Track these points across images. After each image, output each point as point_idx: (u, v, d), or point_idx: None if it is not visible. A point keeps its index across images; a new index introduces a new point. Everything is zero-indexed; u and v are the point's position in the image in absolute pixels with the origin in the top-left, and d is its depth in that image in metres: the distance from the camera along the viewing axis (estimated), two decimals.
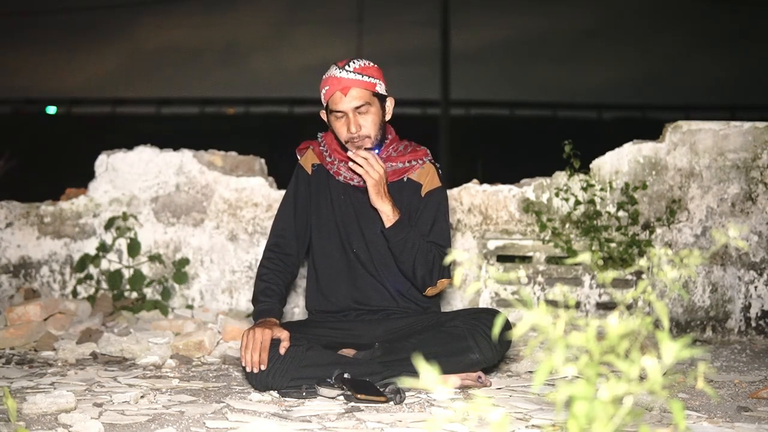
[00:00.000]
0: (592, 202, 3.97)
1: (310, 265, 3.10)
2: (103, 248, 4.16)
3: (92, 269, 4.19)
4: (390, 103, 2.98)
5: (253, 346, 2.71)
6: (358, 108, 2.86)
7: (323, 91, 2.91)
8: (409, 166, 2.99)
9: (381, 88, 2.91)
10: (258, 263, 4.17)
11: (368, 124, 2.88)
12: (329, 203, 3.01)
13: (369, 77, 2.88)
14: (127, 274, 4.16)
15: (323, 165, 3.03)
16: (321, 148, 3.04)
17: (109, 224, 4.16)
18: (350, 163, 2.84)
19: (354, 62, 2.89)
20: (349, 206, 3.00)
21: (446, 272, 2.92)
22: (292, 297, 4.18)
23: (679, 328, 4.00)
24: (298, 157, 3.12)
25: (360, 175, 2.86)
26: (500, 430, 1.23)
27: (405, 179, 2.99)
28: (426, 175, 3.00)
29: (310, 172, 3.05)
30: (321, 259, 3.04)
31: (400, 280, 2.99)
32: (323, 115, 2.99)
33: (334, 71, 2.88)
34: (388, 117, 2.97)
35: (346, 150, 2.92)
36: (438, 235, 2.96)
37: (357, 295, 3.00)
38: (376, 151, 2.90)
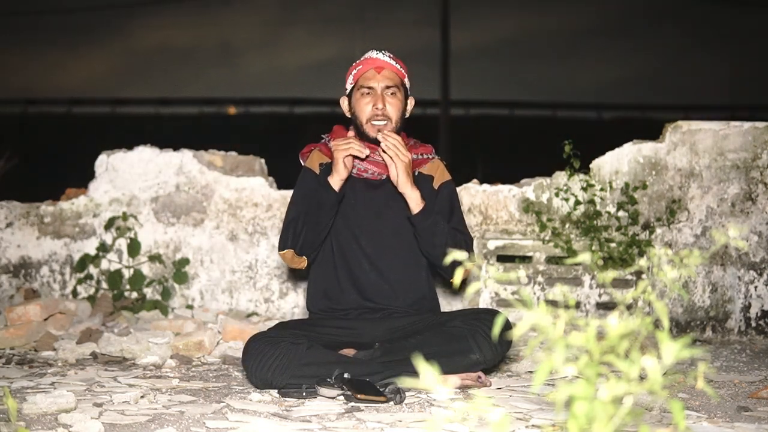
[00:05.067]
0: (592, 202, 3.97)
1: (314, 262, 3.10)
2: (103, 248, 4.16)
3: (92, 269, 4.18)
4: (411, 103, 3.09)
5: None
6: (388, 88, 2.98)
7: (355, 72, 3.01)
8: (421, 159, 3.08)
9: (407, 83, 3.06)
10: (258, 263, 4.18)
11: (392, 108, 2.99)
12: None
13: (401, 66, 3.03)
14: (127, 274, 4.16)
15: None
16: (331, 145, 3.07)
17: (109, 224, 4.16)
18: (379, 150, 2.89)
19: (388, 51, 3.05)
20: (357, 201, 3.01)
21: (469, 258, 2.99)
22: (291, 297, 4.19)
23: (679, 328, 4.00)
24: (302, 162, 3.13)
25: (378, 167, 2.90)
26: (500, 430, 1.23)
27: (416, 173, 3.06)
28: (436, 169, 3.10)
29: (318, 172, 3.06)
30: (326, 255, 3.04)
31: (404, 274, 3.01)
32: (344, 102, 3.07)
33: (371, 53, 3.02)
34: (407, 115, 3.07)
35: (363, 137, 2.98)
36: (458, 223, 3.05)
37: (360, 292, 3.01)
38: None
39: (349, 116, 3.07)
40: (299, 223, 2.95)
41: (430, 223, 2.90)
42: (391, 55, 3.02)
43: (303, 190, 3.04)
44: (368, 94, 2.98)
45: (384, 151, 2.89)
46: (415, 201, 2.89)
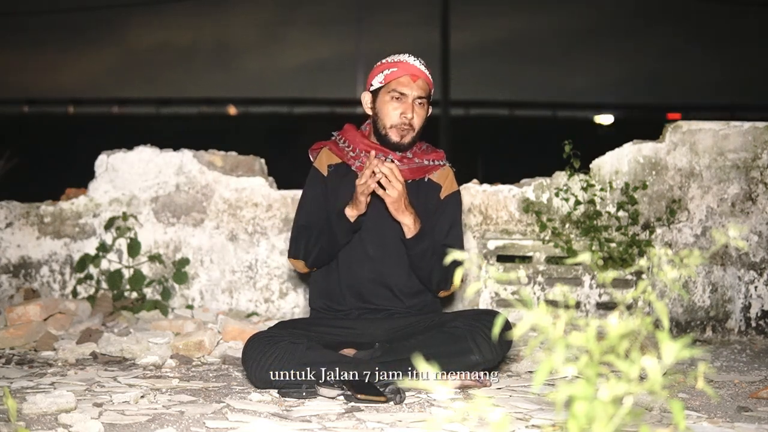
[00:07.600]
0: (592, 202, 3.97)
1: None
2: (103, 248, 4.16)
3: (92, 269, 4.18)
4: (429, 111, 3.07)
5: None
6: (419, 98, 2.97)
7: (387, 72, 2.97)
8: (431, 165, 3.06)
9: (432, 93, 3.05)
10: (258, 263, 4.18)
11: (418, 119, 2.99)
12: (344, 202, 3.00)
13: (431, 79, 3.03)
14: (127, 274, 4.16)
15: (344, 162, 3.04)
16: (342, 144, 3.05)
17: (109, 224, 4.16)
18: (369, 181, 2.84)
19: (422, 59, 3.02)
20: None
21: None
22: (291, 297, 4.19)
23: (679, 328, 4.00)
24: (311, 159, 3.13)
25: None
26: (500, 430, 1.23)
27: (426, 179, 3.05)
28: (445, 178, 3.08)
29: (326, 174, 3.06)
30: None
31: (407, 280, 3.00)
32: (366, 97, 3.04)
33: (407, 58, 2.99)
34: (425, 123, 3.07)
35: (380, 138, 2.98)
36: (454, 240, 3.03)
37: (361, 295, 3.01)
38: (391, 159, 2.94)
39: (369, 113, 3.05)
40: (312, 238, 2.95)
41: (420, 251, 2.91)
42: (425, 64, 3.01)
43: (313, 192, 3.05)
44: (398, 99, 2.95)
45: (379, 181, 2.85)
46: (407, 227, 2.89)
